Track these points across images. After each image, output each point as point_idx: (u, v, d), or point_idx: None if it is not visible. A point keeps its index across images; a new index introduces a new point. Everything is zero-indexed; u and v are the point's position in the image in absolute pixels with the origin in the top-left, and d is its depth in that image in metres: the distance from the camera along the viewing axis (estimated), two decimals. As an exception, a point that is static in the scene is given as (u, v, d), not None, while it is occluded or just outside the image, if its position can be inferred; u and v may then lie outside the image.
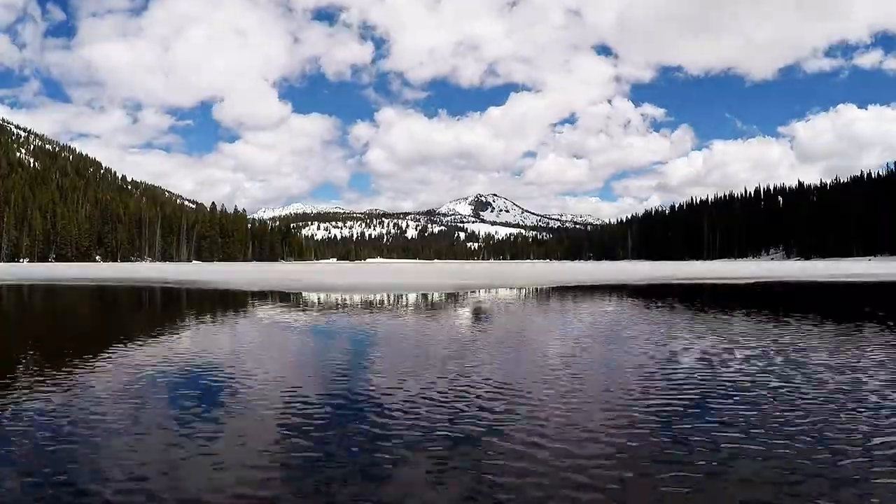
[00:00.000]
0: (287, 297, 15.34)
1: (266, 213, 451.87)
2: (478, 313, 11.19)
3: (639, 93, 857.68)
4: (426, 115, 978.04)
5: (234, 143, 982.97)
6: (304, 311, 11.88)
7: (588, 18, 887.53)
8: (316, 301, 14.59)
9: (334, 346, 7.12)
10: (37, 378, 4.78)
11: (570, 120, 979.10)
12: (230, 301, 15.01)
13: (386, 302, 14.18)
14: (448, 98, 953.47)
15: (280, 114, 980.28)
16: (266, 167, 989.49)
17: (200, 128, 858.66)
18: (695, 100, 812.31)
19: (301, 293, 16.88)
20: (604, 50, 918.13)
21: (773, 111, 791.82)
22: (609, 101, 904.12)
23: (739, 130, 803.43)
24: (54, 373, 4.99)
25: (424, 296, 15.93)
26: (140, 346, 6.74)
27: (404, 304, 13.69)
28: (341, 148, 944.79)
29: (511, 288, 19.43)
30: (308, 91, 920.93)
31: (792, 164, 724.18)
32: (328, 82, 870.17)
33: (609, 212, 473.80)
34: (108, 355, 5.96)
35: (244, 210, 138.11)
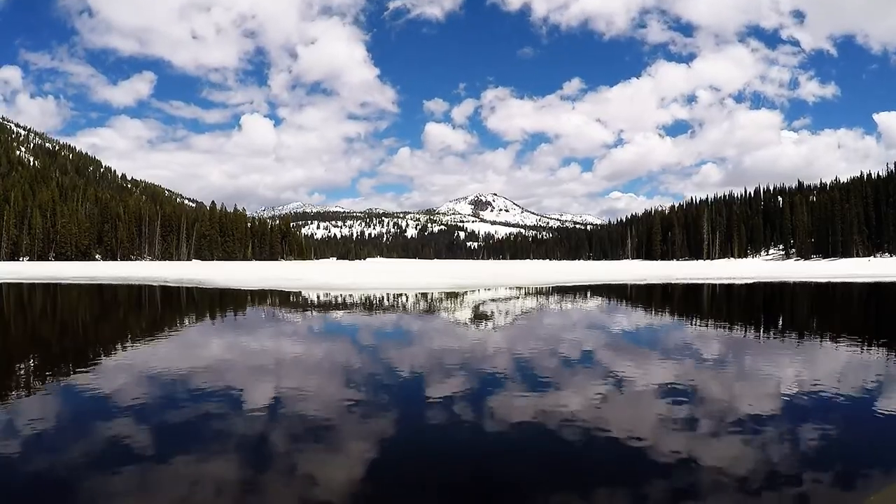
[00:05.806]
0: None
1: (266, 213, 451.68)
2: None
3: (796, 70, 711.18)
4: (517, 89, 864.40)
5: (276, 125, 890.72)
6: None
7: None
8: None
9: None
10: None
11: (703, 93, 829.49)
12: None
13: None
14: (576, 60, 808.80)
15: (339, 81, 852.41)
16: (307, 154, 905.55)
17: (236, 103, 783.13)
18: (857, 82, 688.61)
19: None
20: (772, 23, 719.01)
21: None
22: (761, 78, 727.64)
23: (844, 118, 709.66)
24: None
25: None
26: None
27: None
28: (398, 134, 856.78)
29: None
30: (388, 44, 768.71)
31: (876, 158, 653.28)
32: (413, 37, 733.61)
33: (635, 210, 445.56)
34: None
35: (244, 209, 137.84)
